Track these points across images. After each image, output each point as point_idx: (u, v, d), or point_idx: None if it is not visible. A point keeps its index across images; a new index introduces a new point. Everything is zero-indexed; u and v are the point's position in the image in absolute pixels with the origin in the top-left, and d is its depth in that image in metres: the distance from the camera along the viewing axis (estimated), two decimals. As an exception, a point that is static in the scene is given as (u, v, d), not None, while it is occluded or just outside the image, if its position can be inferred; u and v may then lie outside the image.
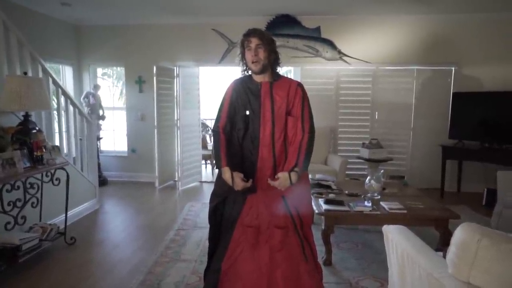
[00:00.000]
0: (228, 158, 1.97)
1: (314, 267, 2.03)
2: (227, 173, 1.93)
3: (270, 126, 1.96)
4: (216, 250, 2.08)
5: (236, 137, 2.02)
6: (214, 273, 2.03)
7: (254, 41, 1.92)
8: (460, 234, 1.27)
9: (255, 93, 1.99)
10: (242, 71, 2.07)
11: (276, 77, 2.02)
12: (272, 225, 1.96)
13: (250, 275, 1.95)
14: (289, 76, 2.23)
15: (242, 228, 1.99)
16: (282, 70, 2.13)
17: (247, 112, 1.98)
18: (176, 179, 5.46)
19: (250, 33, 1.95)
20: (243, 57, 2.00)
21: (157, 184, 5.30)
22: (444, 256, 1.41)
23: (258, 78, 2.00)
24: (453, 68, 5.08)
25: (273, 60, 1.98)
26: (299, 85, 2.03)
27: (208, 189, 5.39)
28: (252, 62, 1.93)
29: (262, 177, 1.97)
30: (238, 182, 1.91)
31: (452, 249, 1.30)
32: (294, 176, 1.87)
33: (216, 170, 2.13)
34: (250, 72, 2.03)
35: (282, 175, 1.88)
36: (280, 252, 1.95)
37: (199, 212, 4.19)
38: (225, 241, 2.03)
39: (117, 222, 3.93)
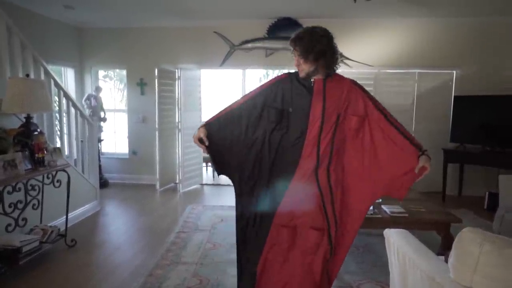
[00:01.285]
0: (218, 122, 1.96)
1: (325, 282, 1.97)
2: (201, 126, 1.95)
3: (319, 125, 1.87)
4: (248, 249, 2.02)
5: (251, 135, 1.96)
6: (251, 277, 1.98)
7: (296, 51, 1.86)
8: (462, 238, 1.26)
9: (307, 89, 1.89)
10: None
11: (331, 74, 1.91)
12: (307, 226, 1.90)
13: (282, 281, 1.93)
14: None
15: (277, 229, 1.93)
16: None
17: (294, 109, 1.90)
18: (177, 181, 5.45)
19: (294, 41, 1.85)
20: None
21: (158, 186, 5.31)
22: (446, 261, 1.41)
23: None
24: (454, 72, 5.08)
25: (323, 64, 1.85)
26: (353, 82, 1.95)
27: (209, 192, 5.38)
28: (298, 68, 1.89)
29: (303, 175, 1.90)
30: (200, 132, 1.91)
31: (454, 253, 1.30)
32: (428, 155, 1.83)
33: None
34: None
35: (423, 159, 1.81)
36: (314, 255, 1.90)
37: (200, 214, 4.18)
38: (259, 243, 1.97)
39: (118, 224, 3.92)
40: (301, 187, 1.91)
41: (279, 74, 2.04)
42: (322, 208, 1.91)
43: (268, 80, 2.01)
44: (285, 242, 1.93)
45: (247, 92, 2.24)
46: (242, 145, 1.98)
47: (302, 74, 1.87)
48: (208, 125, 1.96)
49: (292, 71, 2.00)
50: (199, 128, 1.95)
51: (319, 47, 1.81)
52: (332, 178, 1.92)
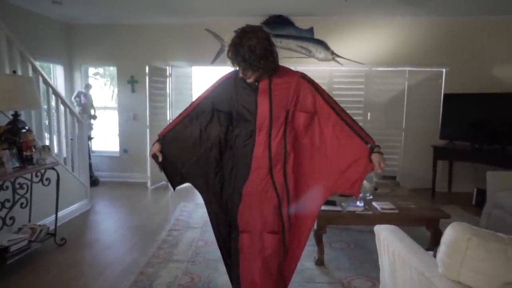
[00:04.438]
0: (171, 133, 1.94)
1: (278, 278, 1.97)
2: (155, 141, 1.93)
3: (267, 124, 1.82)
4: (231, 257, 2.02)
5: (207, 133, 1.93)
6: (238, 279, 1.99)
7: (238, 66, 1.75)
8: (450, 233, 1.28)
9: (252, 87, 1.82)
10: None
11: (275, 71, 1.82)
12: (265, 230, 1.87)
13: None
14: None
15: (240, 234, 1.92)
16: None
17: (240, 109, 1.86)
18: (169, 179, 5.42)
19: (233, 59, 1.73)
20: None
21: (149, 184, 5.27)
22: (435, 256, 1.43)
23: None
24: (444, 70, 5.14)
25: (267, 66, 1.76)
26: (303, 76, 1.85)
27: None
28: (243, 77, 1.79)
29: (256, 177, 1.86)
30: (154, 148, 1.91)
31: (442, 248, 1.32)
32: (380, 151, 1.74)
33: None
34: None
35: (375, 157, 1.72)
36: (272, 260, 1.89)
37: (191, 212, 4.17)
38: (235, 249, 1.96)
39: (109, 223, 3.89)
40: (256, 189, 1.86)
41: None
42: (278, 210, 1.87)
43: (215, 81, 1.95)
44: (246, 248, 1.89)
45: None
46: (201, 151, 1.95)
47: (250, 81, 1.79)
48: (162, 138, 1.94)
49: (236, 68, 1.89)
50: (153, 143, 1.93)
51: (259, 53, 1.69)
52: (289, 178, 1.87)
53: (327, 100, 1.84)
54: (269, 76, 1.82)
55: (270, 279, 1.90)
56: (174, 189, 2.06)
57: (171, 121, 2.02)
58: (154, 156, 1.92)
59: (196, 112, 1.94)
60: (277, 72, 1.83)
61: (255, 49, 1.68)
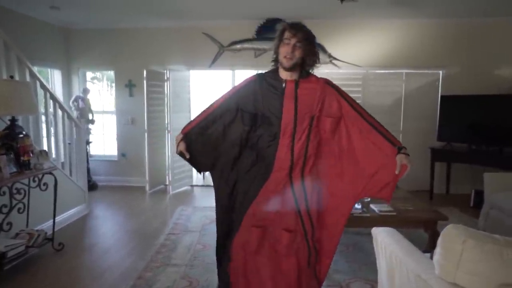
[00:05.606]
0: (197, 130, 1.98)
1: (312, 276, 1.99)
2: (180, 139, 1.97)
3: (291, 128, 1.85)
4: (226, 239, 2.04)
5: (230, 135, 1.98)
6: (225, 276, 2.04)
7: (295, 38, 1.80)
8: (446, 235, 1.29)
9: (278, 91, 1.87)
10: (272, 62, 1.94)
11: (305, 74, 1.90)
12: (280, 227, 1.92)
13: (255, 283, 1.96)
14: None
15: (247, 229, 1.94)
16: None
17: (266, 112, 1.89)
18: (167, 183, 5.42)
19: (295, 27, 1.81)
20: (277, 48, 1.87)
21: (147, 188, 5.26)
22: (432, 258, 1.43)
23: (284, 75, 1.88)
24: (440, 72, 5.16)
25: (307, 61, 1.87)
26: (327, 82, 1.92)
27: (199, 193, 5.36)
28: (285, 57, 1.81)
29: (277, 177, 1.90)
30: (180, 146, 1.95)
31: (438, 250, 1.32)
32: (406, 153, 1.78)
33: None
34: (278, 64, 1.90)
35: (399, 158, 1.77)
36: (287, 259, 1.92)
37: (190, 216, 4.16)
38: (230, 239, 2.01)
39: (107, 227, 3.88)
40: (275, 188, 1.91)
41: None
42: (296, 211, 1.91)
43: (240, 82, 2.00)
44: (254, 242, 1.93)
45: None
46: (222, 148, 2.01)
47: (289, 64, 1.82)
48: (186, 136, 1.99)
49: (262, 71, 1.99)
50: (178, 142, 1.97)
51: (313, 46, 1.87)
52: (306, 181, 1.91)
53: (352, 104, 1.92)
54: (297, 80, 1.87)
55: (281, 276, 1.93)
56: (201, 172, 2.15)
57: (192, 119, 2.06)
58: (181, 154, 2.00)
59: (220, 111, 1.98)
60: (305, 77, 1.89)
61: (312, 42, 1.90)
